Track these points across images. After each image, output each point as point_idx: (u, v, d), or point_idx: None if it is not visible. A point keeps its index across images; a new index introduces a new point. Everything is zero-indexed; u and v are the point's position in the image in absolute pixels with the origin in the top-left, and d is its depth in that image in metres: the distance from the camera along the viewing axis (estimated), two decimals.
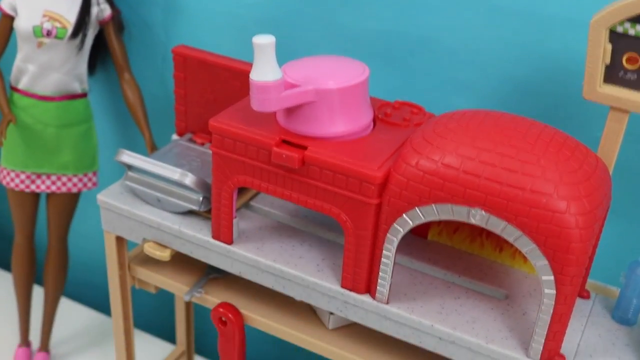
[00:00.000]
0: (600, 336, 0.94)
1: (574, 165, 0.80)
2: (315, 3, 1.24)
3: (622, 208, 1.13)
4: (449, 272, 1.01)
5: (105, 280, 1.73)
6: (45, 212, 1.63)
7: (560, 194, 0.77)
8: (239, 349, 1.10)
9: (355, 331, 1.05)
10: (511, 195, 0.78)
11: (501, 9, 1.10)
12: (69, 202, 1.51)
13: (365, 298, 0.94)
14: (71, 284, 1.91)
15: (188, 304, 1.52)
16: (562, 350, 0.89)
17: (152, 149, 1.38)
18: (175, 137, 1.25)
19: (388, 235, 0.87)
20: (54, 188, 1.46)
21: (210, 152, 1.12)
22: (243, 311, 1.08)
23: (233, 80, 1.14)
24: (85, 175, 1.48)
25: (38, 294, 1.80)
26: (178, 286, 1.14)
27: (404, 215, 0.85)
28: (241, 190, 1.12)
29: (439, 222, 1.05)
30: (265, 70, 0.85)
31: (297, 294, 1.00)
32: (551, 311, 0.82)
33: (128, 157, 1.09)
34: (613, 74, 0.88)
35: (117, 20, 1.40)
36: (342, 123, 0.91)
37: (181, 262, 1.17)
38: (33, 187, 1.46)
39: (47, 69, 1.36)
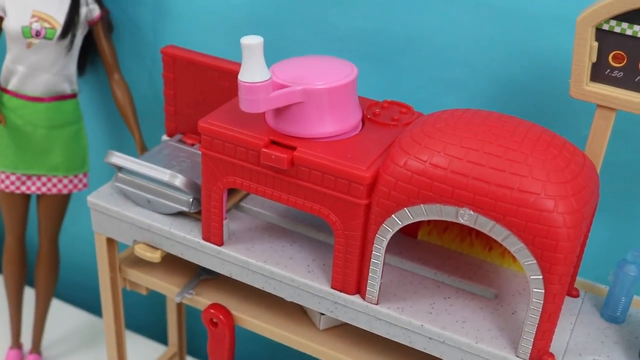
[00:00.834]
0: (590, 334, 0.94)
1: (561, 163, 0.80)
2: (304, 3, 1.24)
3: (610, 206, 1.14)
4: (439, 271, 1.01)
5: (96, 281, 1.72)
6: (35, 214, 1.62)
7: (547, 193, 0.77)
8: (228, 350, 1.10)
9: (346, 332, 1.05)
10: (499, 194, 0.78)
11: (489, 8, 1.10)
12: (59, 204, 1.51)
13: (356, 299, 0.94)
14: (62, 286, 1.90)
15: (179, 305, 1.52)
16: (552, 349, 0.89)
17: (142, 150, 1.38)
18: (165, 137, 1.25)
19: (377, 235, 0.87)
20: (44, 189, 1.46)
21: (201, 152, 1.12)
22: (234, 312, 1.08)
23: (223, 80, 1.14)
24: (76, 176, 1.47)
25: (29, 295, 1.79)
26: (169, 287, 1.14)
27: (393, 215, 0.85)
28: (231, 191, 1.12)
29: (429, 222, 1.06)
30: (253, 71, 0.85)
31: (288, 295, 1.00)
32: (540, 310, 0.82)
33: (117, 158, 1.09)
34: (599, 72, 0.88)
35: (106, 21, 1.39)
36: (331, 123, 0.91)
37: (172, 263, 1.16)
38: (23, 188, 1.45)
39: (37, 69, 1.35)
